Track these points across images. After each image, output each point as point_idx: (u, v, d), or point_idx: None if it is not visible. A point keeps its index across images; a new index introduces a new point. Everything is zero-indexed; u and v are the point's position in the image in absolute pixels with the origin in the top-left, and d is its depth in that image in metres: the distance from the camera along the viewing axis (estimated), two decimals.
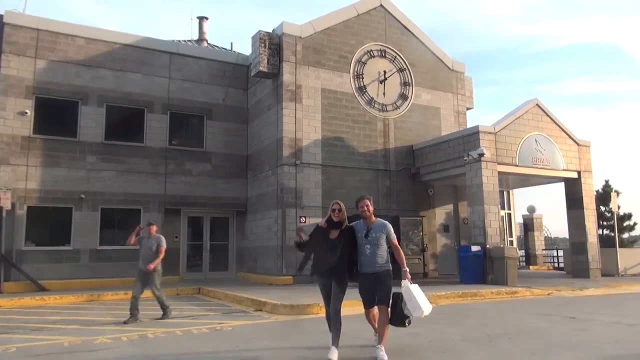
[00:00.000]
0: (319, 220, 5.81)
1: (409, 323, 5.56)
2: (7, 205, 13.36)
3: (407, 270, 5.47)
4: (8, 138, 14.28)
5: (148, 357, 5.92)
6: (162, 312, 8.82)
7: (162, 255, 8.88)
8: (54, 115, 15.13)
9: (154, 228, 9.14)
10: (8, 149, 14.25)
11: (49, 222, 14.80)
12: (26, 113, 14.51)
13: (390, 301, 5.52)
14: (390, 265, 5.57)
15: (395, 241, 5.62)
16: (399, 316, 5.47)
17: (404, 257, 5.60)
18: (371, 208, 5.62)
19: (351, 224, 5.67)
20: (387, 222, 5.66)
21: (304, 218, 14.54)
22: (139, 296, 8.68)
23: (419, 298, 5.37)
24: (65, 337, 7.11)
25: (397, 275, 5.60)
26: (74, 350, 6.33)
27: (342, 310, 5.58)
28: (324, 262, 5.55)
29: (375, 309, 5.65)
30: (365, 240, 5.53)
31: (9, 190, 13.61)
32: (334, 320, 5.48)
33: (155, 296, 8.84)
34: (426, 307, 5.40)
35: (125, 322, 8.28)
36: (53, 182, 14.70)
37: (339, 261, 5.47)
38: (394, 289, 5.58)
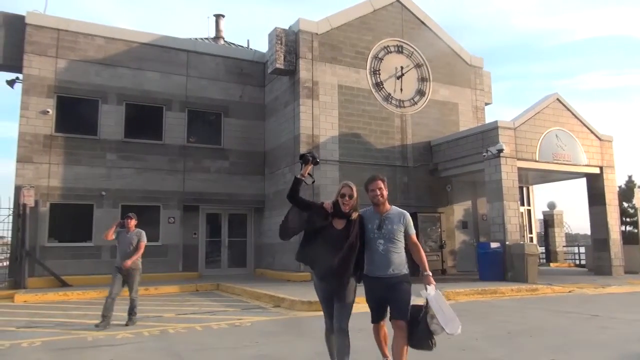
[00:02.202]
0: (325, 202, 4.41)
1: (435, 345, 4.18)
2: (30, 202, 13.65)
3: (430, 274, 4.19)
4: (31, 137, 14.56)
5: (169, 351, 6.00)
6: (127, 318, 7.89)
7: (141, 251, 8.11)
8: (75, 113, 15.36)
9: (133, 222, 8.27)
10: (31, 148, 14.53)
11: (70, 219, 15.06)
12: (48, 112, 14.77)
13: (409, 316, 4.22)
14: (408, 269, 4.34)
15: (415, 237, 4.40)
16: (423, 335, 4.14)
17: (425, 257, 4.34)
18: (385, 192, 4.35)
19: (359, 212, 4.39)
20: (405, 211, 4.44)
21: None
22: (117, 297, 7.86)
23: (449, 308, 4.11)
24: (89, 331, 7.24)
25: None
26: (97, 344, 6.45)
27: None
28: (322, 261, 4.18)
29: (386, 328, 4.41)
30: (378, 234, 4.26)
31: (32, 187, 13.91)
32: (339, 342, 4.19)
33: (131, 298, 7.94)
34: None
35: (97, 326, 7.46)
36: (74, 179, 14.95)
37: (343, 262, 4.13)
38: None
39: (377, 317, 4.36)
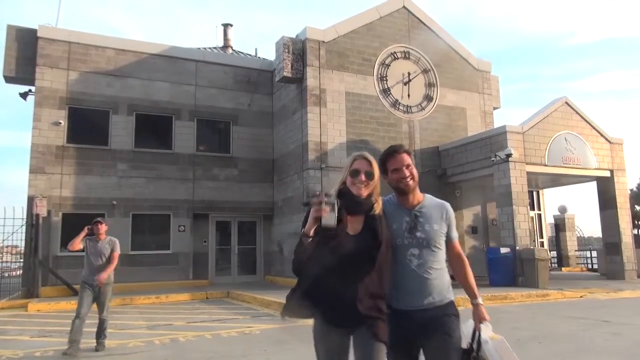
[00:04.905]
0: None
1: None
2: (43, 212, 13.85)
3: (482, 304, 2.71)
4: (43, 148, 14.79)
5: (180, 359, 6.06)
6: (96, 342, 6.71)
7: (115, 263, 6.99)
8: (86, 124, 15.58)
9: (104, 227, 7.06)
10: (43, 159, 14.75)
11: (82, 229, 15.17)
12: (60, 123, 15.00)
13: None
14: (453, 295, 2.70)
15: (457, 242, 2.81)
16: None
17: (471, 274, 2.79)
18: (415, 171, 2.70)
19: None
20: (445, 202, 2.80)
21: None
22: (86, 317, 6.59)
23: None
24: None
25: None
26: (109, 353, 6.53)
27: None
28: (335, 297, 2.38)
29: None
30: (410, 239, 2.62)
31: (44, 198, 14.12)
32: None
33: (101, 319, 6.75)
34: None
35: (64, 354, 6.26)
36: (86, 189, 15.15)
37: (374, 293, 2.43)
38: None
39: None
